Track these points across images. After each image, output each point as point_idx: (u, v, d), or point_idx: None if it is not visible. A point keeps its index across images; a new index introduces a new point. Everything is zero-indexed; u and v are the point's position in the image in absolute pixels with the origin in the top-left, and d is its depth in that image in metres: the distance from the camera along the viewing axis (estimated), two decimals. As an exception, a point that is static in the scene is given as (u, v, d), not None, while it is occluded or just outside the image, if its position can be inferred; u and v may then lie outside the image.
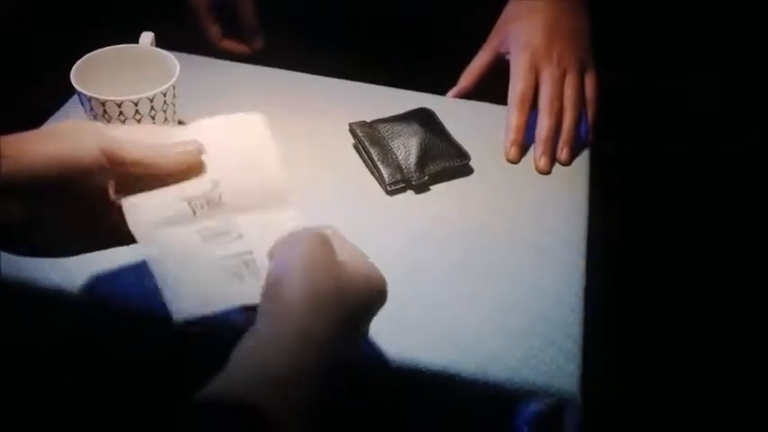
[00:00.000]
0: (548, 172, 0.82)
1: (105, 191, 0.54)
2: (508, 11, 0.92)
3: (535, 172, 0.83)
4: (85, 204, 0.54)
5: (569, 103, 0.85)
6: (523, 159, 0.84)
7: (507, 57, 0.90)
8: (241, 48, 1.06)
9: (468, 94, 0.93)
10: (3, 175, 0.49)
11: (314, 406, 0.43)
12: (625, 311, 1.03)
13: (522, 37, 0.88)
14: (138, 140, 0.55)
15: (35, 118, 0.79)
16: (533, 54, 0.86)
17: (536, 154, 0.83)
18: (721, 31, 1.06)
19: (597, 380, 0.65)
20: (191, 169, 0.57)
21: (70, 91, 0.75)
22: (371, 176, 0.80)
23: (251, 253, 0.56)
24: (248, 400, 0.41)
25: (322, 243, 0.49)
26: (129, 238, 0.54)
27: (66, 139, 0.53)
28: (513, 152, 0.83)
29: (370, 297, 0.51)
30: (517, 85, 0.85)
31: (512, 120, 0.84)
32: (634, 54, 1.04)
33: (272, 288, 0.47)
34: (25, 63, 0.98)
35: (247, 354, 0.44)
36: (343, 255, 0.50)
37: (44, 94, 0.84)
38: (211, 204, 0.57)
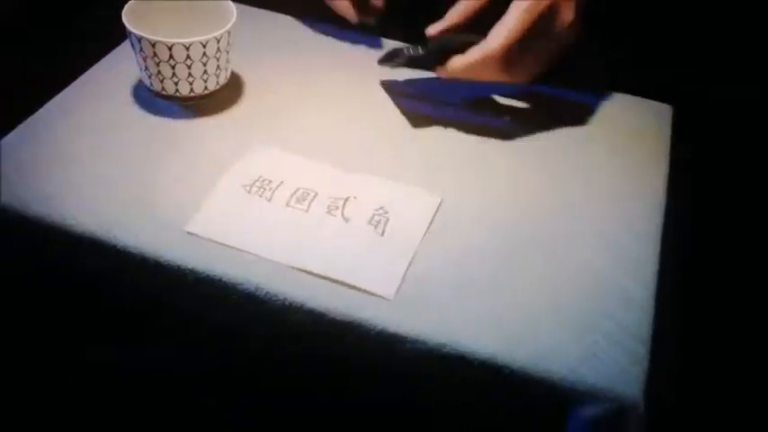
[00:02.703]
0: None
1: None
2: None
3: (607, 155, 0.75)
4: None
5: None
6: (594, 145, 0.76)
7: None
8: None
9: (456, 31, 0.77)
10: None
11: None
12: (701, 315, 0.95)
13: None
14: None
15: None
16: None
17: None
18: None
19: (664, 387, 0.58)
20: None
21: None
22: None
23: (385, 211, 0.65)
24: None
25: None
26: None
27: None
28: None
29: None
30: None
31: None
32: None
33: None
34: (25, 63, 0.97)
35: None
36: None
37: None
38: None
